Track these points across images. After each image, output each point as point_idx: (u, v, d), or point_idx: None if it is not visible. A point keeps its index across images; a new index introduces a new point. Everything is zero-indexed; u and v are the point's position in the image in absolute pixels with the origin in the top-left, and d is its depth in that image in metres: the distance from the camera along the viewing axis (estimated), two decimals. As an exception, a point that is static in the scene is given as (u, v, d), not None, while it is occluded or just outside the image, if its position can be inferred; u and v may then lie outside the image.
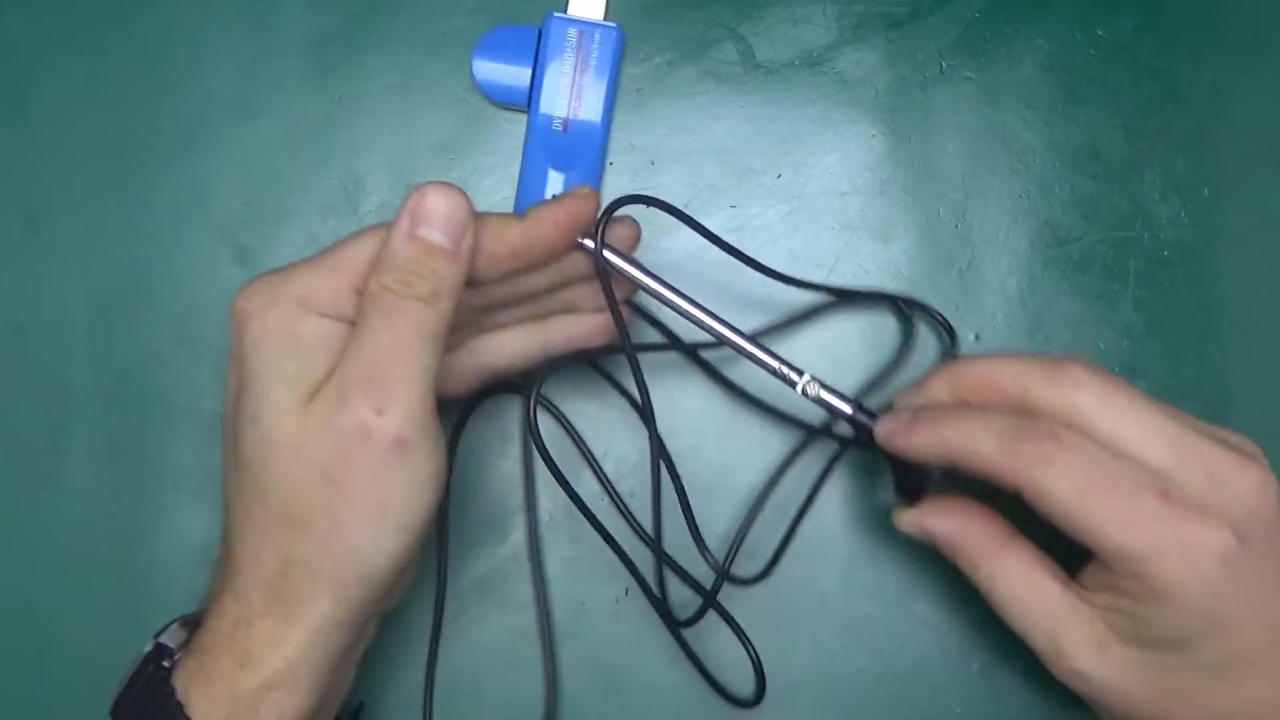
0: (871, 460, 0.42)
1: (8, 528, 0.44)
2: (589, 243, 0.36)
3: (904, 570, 0.43)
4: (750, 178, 0.45)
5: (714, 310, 0.38)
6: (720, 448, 0.44)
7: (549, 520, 0.44)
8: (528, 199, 0.43)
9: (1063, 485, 0.32)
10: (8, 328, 0.45)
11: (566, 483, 0.36)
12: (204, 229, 0.45)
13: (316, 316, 0.33)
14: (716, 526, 0.43)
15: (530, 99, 0.43)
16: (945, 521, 0.37)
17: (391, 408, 0.32)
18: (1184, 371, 0.44)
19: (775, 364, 0.38)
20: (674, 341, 0.42)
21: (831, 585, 0.43)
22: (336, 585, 0.33)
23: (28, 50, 0.45)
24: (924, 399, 0.37)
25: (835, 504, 0.43)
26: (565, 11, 0.44)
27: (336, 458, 0.32)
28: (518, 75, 0.43)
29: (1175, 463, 0.33)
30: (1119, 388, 0.34)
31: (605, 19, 0.44)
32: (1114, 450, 0.33)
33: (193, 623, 0.35)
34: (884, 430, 0.37)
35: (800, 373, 0.38)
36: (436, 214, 0.33)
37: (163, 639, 0.34)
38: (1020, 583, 0.35)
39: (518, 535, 0.44)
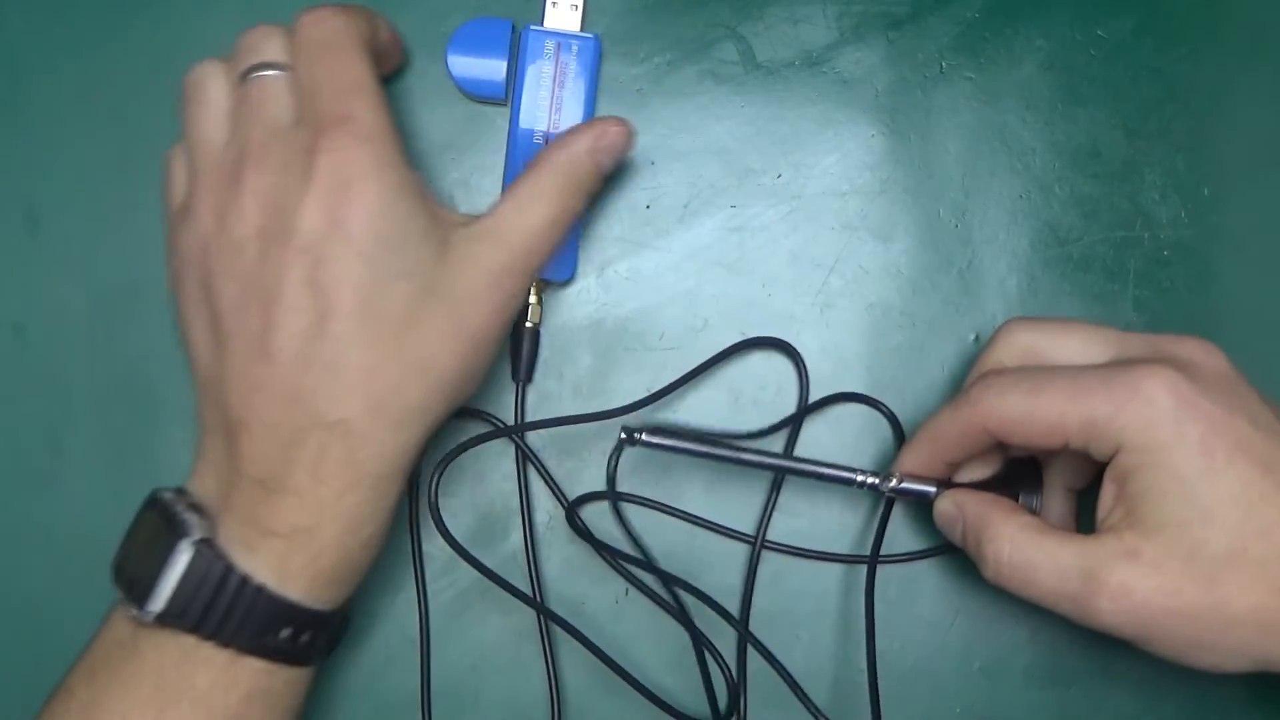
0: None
1: (8, 528, 0.44)
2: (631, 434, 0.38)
3: (904, 570, 0.43)
4: (750, 178, 0.45)
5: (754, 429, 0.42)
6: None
7: (548, 520, 0.44)
8: None
9: (1013, 395, 0.35)
10: (8, 328, 0.45)
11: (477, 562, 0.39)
12: (204, 229, 0.45)
13: (408, 162, 0.36)
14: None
15: (511, 110, 0.43)
16: (973, 499, 0.38)
17: (525, 276, 0.38)
18: (1184, 371, 0.44)
19: (856, 476, 0.40)
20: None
21: (831, 585, 0.43)
22: (445, 417, 0.37)
23: (28, 50, 0.45)
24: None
25: (835, 504, 0.43)
26: (541, 23, 0.43)
27: (474, 316, 0.36)
28: (493, 69, 0.43)
29: (1117, 350, 0.36)
30: (1047, 321, 0.38)
31: (583, 29, 0.43)
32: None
33: (197, 509, 0.36)
34: (898, 471, 0.40)
35: (878, 475, 0.40)
36: (617, 149, 0.39)
37: (197, 535, 0.34)
38: (1039, 533, 0.35)
39: (518, 535, 0.44)
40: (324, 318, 0.34)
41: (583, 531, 0.40)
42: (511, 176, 0.43)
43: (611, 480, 0.40)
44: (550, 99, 0.42)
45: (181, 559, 0.34)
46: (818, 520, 0.43)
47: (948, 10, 0.45)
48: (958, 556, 0.43)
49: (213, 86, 0.38)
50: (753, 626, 0.43)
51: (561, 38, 0.43)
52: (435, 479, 0.39)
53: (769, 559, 0.43)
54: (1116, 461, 0.34)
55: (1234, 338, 0.43)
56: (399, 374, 0.35)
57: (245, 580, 0.34)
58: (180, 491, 0.37)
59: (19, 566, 0.44)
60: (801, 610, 0.43)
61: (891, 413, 0.43)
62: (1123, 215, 0.44)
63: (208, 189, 0.36)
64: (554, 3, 0.43)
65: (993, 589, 0.43)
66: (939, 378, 0.44)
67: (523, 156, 0.42)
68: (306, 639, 0.35)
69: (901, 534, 0.43)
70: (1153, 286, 0.44)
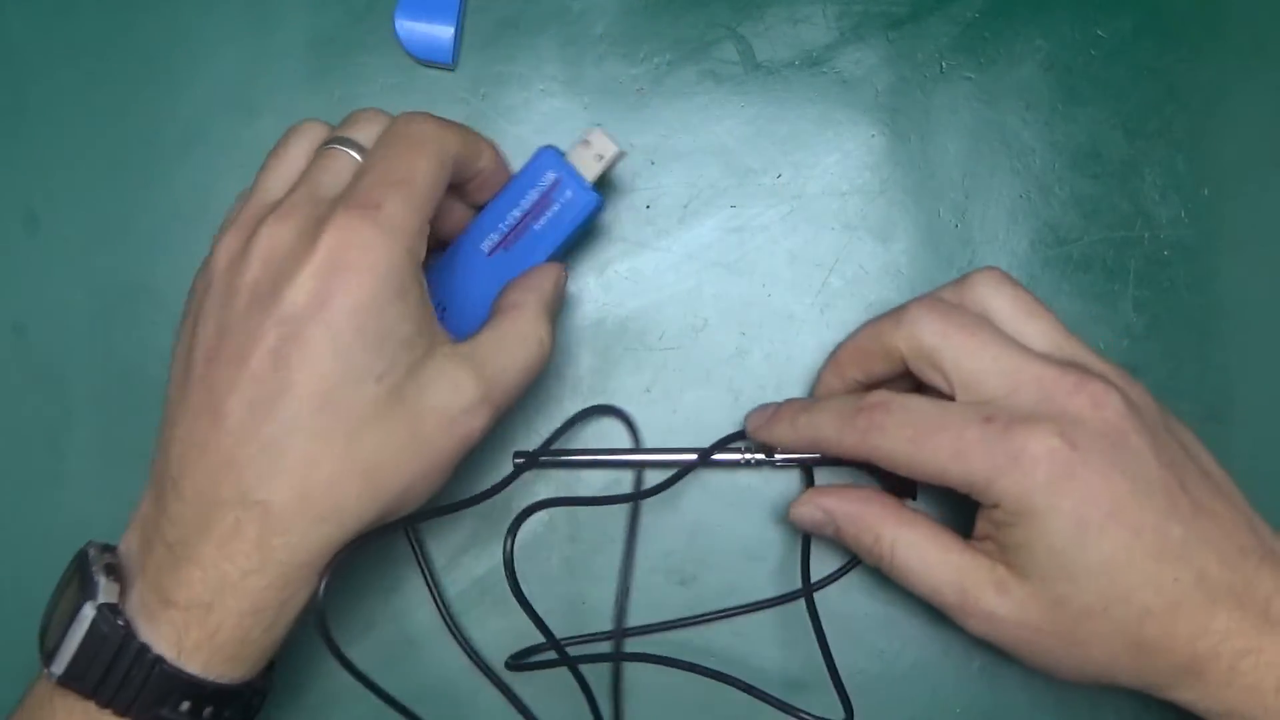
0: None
1: (8, 528, 0.44)
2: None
3: (904, 570, 0.43)
4: (750, 178, 0.45)
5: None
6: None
7: (549, 520, 0.44)
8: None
9: (896, 442, 0.36)
10: (8, 328, 0.45)
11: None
12: (204, 229, 0.44)
13: (419, 269, 0.35)
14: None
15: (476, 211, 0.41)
16: (845, 501, 0.38)
17: (494, 414, 0.36)
18: (1184, 371, 0.44)
19: (754, 455, 0.42)
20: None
21: (831, 586, 0.43)
22: (375, 525, 0.35)
23: (28, 50, 0.45)
24: (820, 390, 0.42)
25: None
26: (563, 152, 0.40)
27: (435, 435, 0.35)
28: (440, 33, 0.43)
29: (1006, 389, 0.35)
30: (960, 324, 0.36)
31: (598, 184, 0.40)
32: (957, 384, 0.36)
33: (111, 570, 0.35)
34: (751, 425, 0.41)
35: (764, 450, 0.42)
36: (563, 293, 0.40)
37: (102, 598, 0.33)
38: (923, 542, 0.37)
39: (518, 535, 0.44)
40: (279, 395, 0.33)
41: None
42: (445, 271, 0.40)
43: (509, 563, 0.38)
44: (518, 224, 0.40)
45: (84, 622, 0.33)
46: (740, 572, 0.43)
47: (948, 10, 0.45)
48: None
49: (297, 145, 0.38)
50: (754, 624, 0.43)
51: (569, 178, 0.39)
52: (325, 577, 0.35)
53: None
54: (992, 513, 0.35)
55: (1234, 338, 0.43)
56: (339, 472, 0.33)
57: (144, 649, 0.33)
58: (106, 548, 0.36)
59: (19, 566, 0.44)
60: (802, 610, 0.43)
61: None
62: (1123, 215, 0.44)
63: (235, 230, 0.36)
64: (587, 141, 0.39)
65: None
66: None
67: (465, 257, 0.40)
68: (209, 713, 0.34)
69: (835, 550, 0.43)
70: (1153, 286, 0.44)
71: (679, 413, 0.44)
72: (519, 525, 0.37)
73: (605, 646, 0.43)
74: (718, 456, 0.42)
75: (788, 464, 0.42)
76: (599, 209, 0.40)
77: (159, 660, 0.33)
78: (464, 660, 0.43)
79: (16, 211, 0.45)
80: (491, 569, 0.44)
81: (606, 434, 0.44)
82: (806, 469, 0.43)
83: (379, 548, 0.43)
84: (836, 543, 0.39)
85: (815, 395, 0.42)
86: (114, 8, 0.46)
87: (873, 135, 0.45)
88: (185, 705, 0.33)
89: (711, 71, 0.45)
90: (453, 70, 0.45)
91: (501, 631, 0.43)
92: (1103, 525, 0.33)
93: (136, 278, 0.45)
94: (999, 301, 0.37)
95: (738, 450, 0.42)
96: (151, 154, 0.45)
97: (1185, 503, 0.34)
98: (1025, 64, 0.45)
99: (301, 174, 0.37)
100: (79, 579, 0.34)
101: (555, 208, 0.39)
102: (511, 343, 0.37)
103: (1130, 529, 0.34)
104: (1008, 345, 0.36)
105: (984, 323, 0.37)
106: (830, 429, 0.38)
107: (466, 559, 0.44)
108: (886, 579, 0.43)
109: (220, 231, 0.37)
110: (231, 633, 0.33)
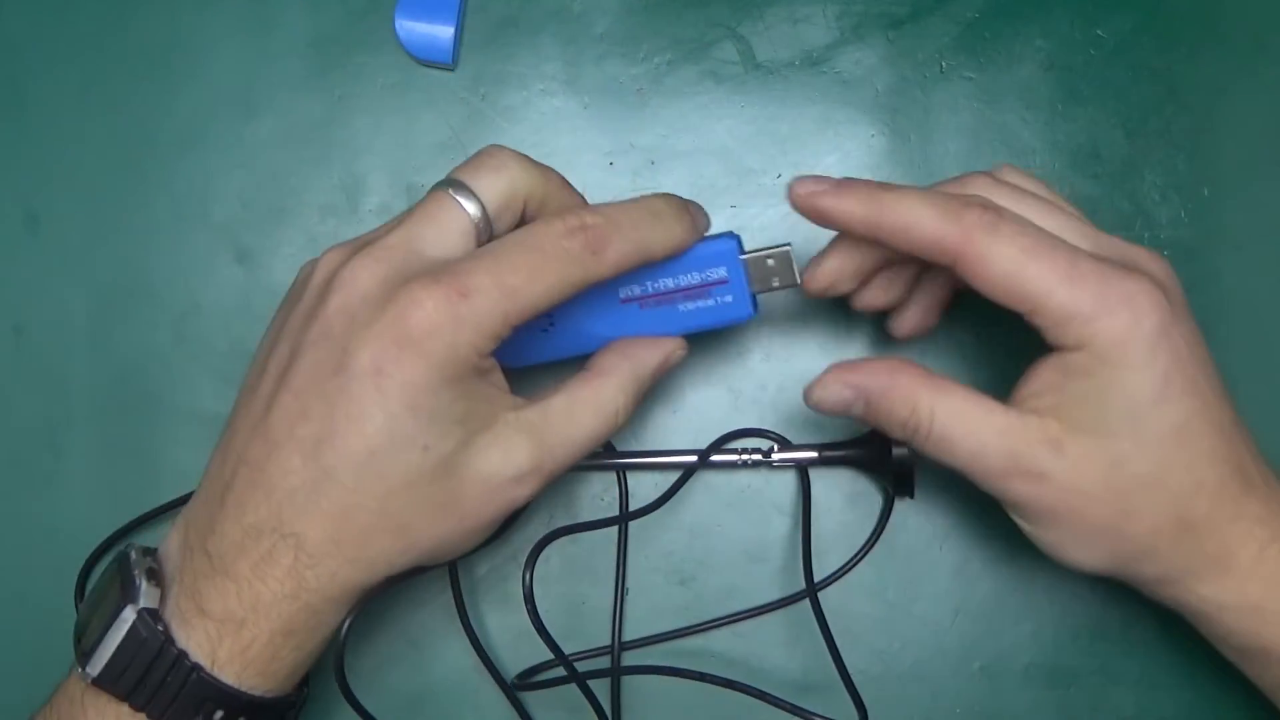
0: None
1: (8, 528, 0.44)
2: None
3: (904, 570, 0.43)
4: (750, 178, 0.45)
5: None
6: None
7: (549, 520, 0.44)
8: None
9: (1007, 249, 0.33)
10: (8, 328, 0.45)
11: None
12: (204, 229, 0.45)
13: (486, 360, 0.34)
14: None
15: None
16: (873, 373, 0.36)
17: (545, 481, 0.36)
18: (1184, 371, 0.44)
19: (750, 455, 0.42)
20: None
21: (831, 587, 0.43)
22: (408, 570, 0.35)
23: (28, 50, 0.45)
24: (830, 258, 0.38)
25: (834, 506, 0.43)
26: (744, 248, 0.38)
27: (476, 499, 0.34)
28: (440, 33, 0.43)
29: (1091, 246, 0.35)
30: (1025, 192, 0.36)
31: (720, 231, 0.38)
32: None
33: (152, 574, 0.35)
34: (803, 190, 0.35)
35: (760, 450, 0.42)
36: (671, 369, 0.39)
37: (144, 603, 0.34)
38: (964, 406, 0.35)
39: (517, 535, 0.44)
40: (326, 440, 0.33)
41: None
42: (587, 317, 0.38)
43: (529, 597, 0.38)
44: (666, 294, 0.38)
45: (124, 625, 0.33)
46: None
47: (948, 10, 0.45)
48: (952, 556, 0.43)
49: (457, 204, 0.35)
50: (755, 625, 0.43)
51: (737, 283, 0.37)
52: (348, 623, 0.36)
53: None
54: (1071, 356, 0.33)
55: (1234, 338, 0.43)
56: (371, 525, 0.33)
57: (182, 656, 0.33)
58: (147, 551, 0.36)
59: (19, 566, 0.44)
60: (802, 611, 0.43)
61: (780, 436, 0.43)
62: (1123, 215, 0.44)
63: (341, 249, 0.35)
64: (773, 258, 0.38)
65: (993, 589, 0.43)
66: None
67: (596, 290, 0.36)
68: None
69: (834, 550, 0.43)
70: (1153, 286, 0.44)
71: (679, 413, 0.44)
72: (536, 557, 0.37)
73: (610, 657, 0.43)
74: (715, 458, 0.42)
75: (784, 464, 0.42)
76: (743, 319, 0.38)
77: (197, 668, 0.33)
78: (465, 667, 0.43)
79: (16, 211, 0.45)
80: (492, 569, 0.44)
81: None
82: (803, 469, 0.43)
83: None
84: (862, 421, 0.37)
85: (824, 263, 0.38)
86: (114, 7, 0.45)
87: (873, 135, 0.45)
88: (219, 715, 0.34)
89: (711, 71, 0.45)
90: (453, 70, 0.45)
91: (501, 631, 0.43)
92: (1183, 390, 0.33)
93: (136, 278, 0.45)
94: (1010, 202, 0.35)
95: (734, 451, 0.43)
96: (151, 154, 0.45)
97: (1225, 389, 0.35)
98: (1025, 64, 0.45)
99: (409, 211, 0.36)
100: (120, 581, 0.34)
101: (709, 302, 0.38)
102: (583, 410, 0.36)
103: (1202, 400, 0.34)
104: (1071, 213, 0.36)
105: (1040, 195, 0.36)
106: (927, 215, 0.34)
107: (467, 559, 0.44)
108: (887, 580, 0.43)
109: (343, 244, 0.36)
110: (263, 649, 0.34)
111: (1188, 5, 0.45)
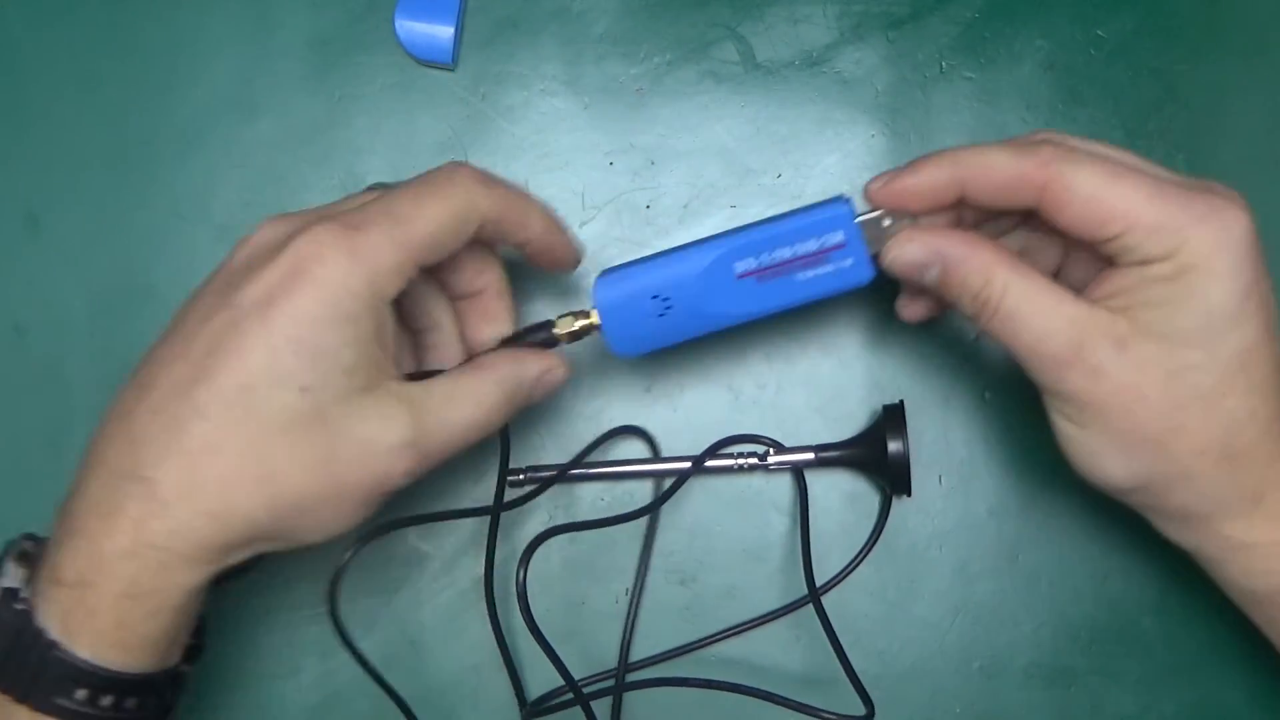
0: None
1: (7, 528, 0.44)
2: None
3: (904, 570, 0.43)
4: (750, 178, 0.45)
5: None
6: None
7: (549, 520, 0.44)
8: None
9: (1089, 171, 0.33)
10: (8, 328, 0.45)
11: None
12: (204, 229, 0.45)
13: (382, 305, 0.34)
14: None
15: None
16: (953, 239, 0.35)
17: (419, 473, 0.35)
18: (1184, 371, 0.44)
19: (747, 460, 0.42)
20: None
21: (831, 588, 0.43)
22: (267, 541, 0.34)
23: (28, 50, 0.45)
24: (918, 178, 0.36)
25: (833, 506, 0.43)
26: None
27: (351, 462, 0.33)
28: (440, 33, 0.43)
29: (1168, 175, 0.34)
30: (1099, 142, 0.35)
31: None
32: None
33: (25, 557, 0.34)
34: (880, 182, 0.36)
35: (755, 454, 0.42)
36: (553, 390, 0.38)
37: (4, 582, 0.33)
38: (1037, 287, 0.34)
39: (518, 535, 0.44)
40: (198, 380, 0.32)
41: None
42: (688, 273, 0.37)
43: (523, 595, 0.38)
44: (784, 264, 0.37)
45: None
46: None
47: (948, 10, 0.45)
48: (952, 556, 0.43)
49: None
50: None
51: (855, 246, 0.36)
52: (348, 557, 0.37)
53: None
54: (1153, 266, 0.33)
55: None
56: (235, 469, 0.32)
57: (40, 633, 0.32)
58: (31, 537, 0.35)
59: (19, 566, 0.44)
60: (802, 611, 0.43)
61: (776, 442, 0.43)
62: (1123, 215, 0.44)
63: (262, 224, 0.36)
64: (886, 218, 0.36)
65: (993, 589, 0.43)
66: (939, 379, 0.44)
67: (713, 268, 0.36)
68: (109, 703, 0.33)
69: (834, 551, 0.43)
70: (1153, 286, 0.44)
71: (679, 412, 0.44)
72: (530, 555, 0.37)
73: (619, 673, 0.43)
74: (711, 463, 0.42)
75: (780, 467, 0.42)
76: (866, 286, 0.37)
77: (53, 645, 0.32)
78: (464, 667, 0.43)
79: (16, 211, 0.45)
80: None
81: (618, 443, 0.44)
82: (798, 471, 0.43)
83: (382, 548, 0.43)
84: (933, 288, 0.36)
85: (902, 197, 0.36)
86: (114, 8, 0.45)
87: (873, 135, 0.45)
88: (81, 693, 0.32)
89: (711, 71, 0.45)
90: (453, 70, 0.45)
91: (502, 630, 0.43)
92: (1256, 311, 0.33)
93: (136, 278, 0.45)
94: (1080, 145, 0.35)
95: (730, 456, 0.43)
96: (151, 154, 0.45)
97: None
98: (1025, 64, 0.45)
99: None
100: None
101: (828, 268, 0.37)
102: (464, 397, 0.36)
103: (1266, 328, 0.34)
104: (1148, 163, 0.35)
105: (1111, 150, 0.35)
106: (1004, 157, 0.34)
107: (467, 559, 0.44)
108: (887, 580, 0.43)
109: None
110: (109, 615, 0.32)
111: (1188, 5, 0.45)
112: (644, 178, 0.45)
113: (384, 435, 0.33)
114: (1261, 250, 0.33)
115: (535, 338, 0.38)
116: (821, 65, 0.45)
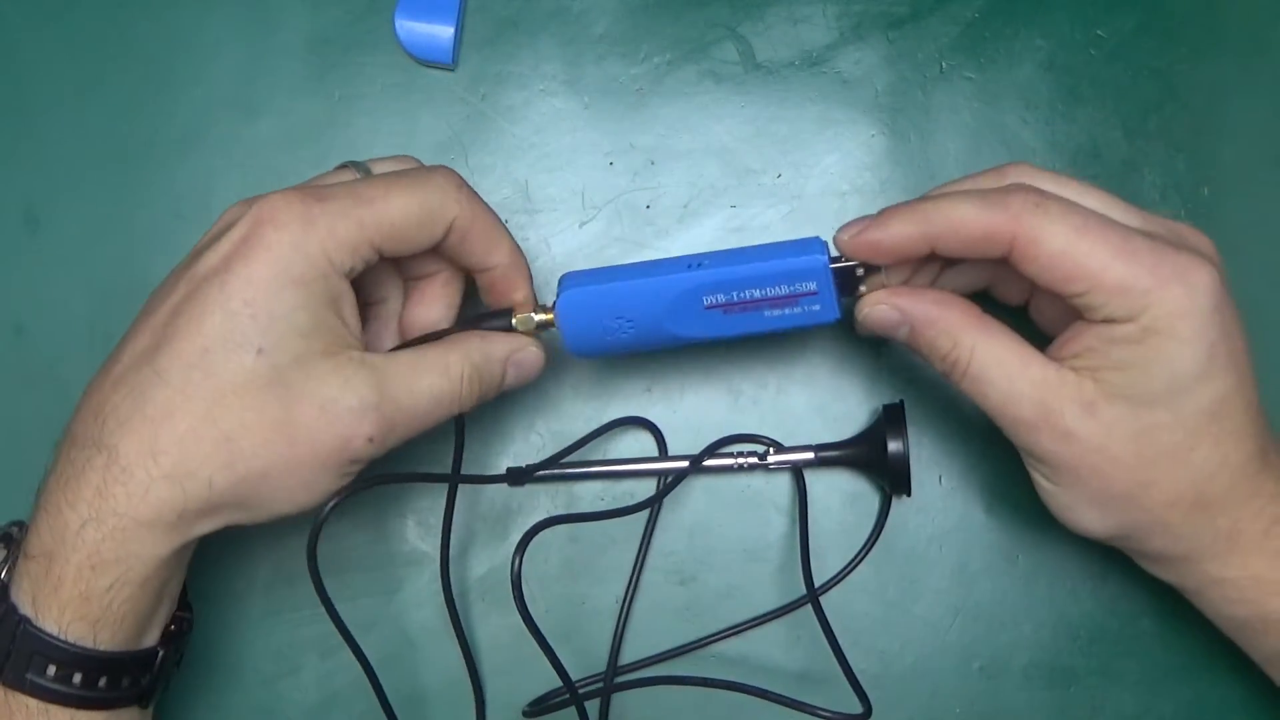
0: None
1: (8, 528, 0.44)
2: None
3: (904, 570, 0.43)
4: (750, 178, 0.45)
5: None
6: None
7: (539, 521, 0.44)
8: None
9: (1058, 228, 0.33)
10: (8, 328, 0.45)
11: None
12: (204, 229, 0.44)
13: (336, 276, 0.34)
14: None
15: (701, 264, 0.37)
16: (921, 300, 0.36)
17: (385, 441, 0.35)
18: (1184, 371, 0.44)
19: (746, 459, 0.42)
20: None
21: (831, 588, 0.43)
22: (231, 510, 0.34)
23: (28, 50, 0.45)
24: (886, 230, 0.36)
25: (833, 506, 0.43)
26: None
27: (310, 423, 0.33)
28: (440, 33, 0.43)
29: (1139, 224, 0.34)
30: (1065, 177, 0.35)
31: None
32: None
33: (6, 539, 0.35)
34: (850, 233, 0.36)
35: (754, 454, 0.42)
36: (527, 373, 0.38)
37: None
38: (1004, 350, 0.35)
39: (517, 535, 0.44)
40: (160, 348, 0.33)
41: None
42: (653, 295, 0.37)
43: (517, 582, 0.37)
44: (752, 303, 0.37)
45: None
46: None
47: (948, 10, 0.45)
48: (952, 556, 0.43)
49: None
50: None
51: (825, 292, 0.36)
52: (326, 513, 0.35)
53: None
54: (1120, 327, 0.33)
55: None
56: (194, 431, 0.32)
57: (11, 609, 0.33)
58: (18, 524, 0.36)
59: (19, 566, 0.44)
60: (802, 611, 0.43)
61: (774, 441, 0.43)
62: (1123, 215, 0.44)
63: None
64: (861, 269, 0.37)
65: (993, 589, 0.43)
66: (940, 379, 0.44)
67: (680, 296, 0.37)
68: (79, 680, 0.33)
69: (833, 550, 0.43)
70: (1153, 286, 0.44)
71: (679, 412, 0.44)
72: (527, 544, 0.37)
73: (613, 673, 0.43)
74: (711, 462, 0.42)
75: (780, 466, 0.42)
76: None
77: (24, 621, 0.32)
78: (463, 665, 0.43)
79: (16, 211, 0.45)
80: (492, 569, 0.44)
81: (623, 439, 0.44)
82: (798, 471, 0.43)
83: (382, 548, 0.43)
84: (906, 346, 0.37)
85: (877, 238, 0.36)
86: (114, 8, 0.45)
87: (873, 135, 0.45)
88: (51, 670, 0.32)
89: (711, 71, 0.45)
90: (453, 70, 0.45)
91: (501, 630, 0.43)
92: (1225, 365, 0.33)
93: (136, 278, 0.44)
94: (1050, 186, 0.35)
95: (730, 455, 0.43)
96: (151, 154, 0.45)
97: (1254, 373, 0.35)
98: (1025, 64, 0.45)
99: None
100: None
101: (796, 309, 0.37)
102: (428, 367, 0.36)
103: (1239, 377, 0.34)
104: (1114, 196, 0.35)
105: (1078, 179, 0.36)
106: (972, 210, 0.34)
107: (467, 559, 0.44)
108: (887, 580, 0.43)
109: None
110: (73, 587, 0.32)
111: (1188, 5, 0.45)
112: (644, 178, 0.45)
113: (343, 397, 0.34)
114: (1231, 303, 0.34)
115: (493, 324, 0.38)
116: (821, 65, 0.45)
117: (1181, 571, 0.36)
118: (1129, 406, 0.34)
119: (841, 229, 0.36)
